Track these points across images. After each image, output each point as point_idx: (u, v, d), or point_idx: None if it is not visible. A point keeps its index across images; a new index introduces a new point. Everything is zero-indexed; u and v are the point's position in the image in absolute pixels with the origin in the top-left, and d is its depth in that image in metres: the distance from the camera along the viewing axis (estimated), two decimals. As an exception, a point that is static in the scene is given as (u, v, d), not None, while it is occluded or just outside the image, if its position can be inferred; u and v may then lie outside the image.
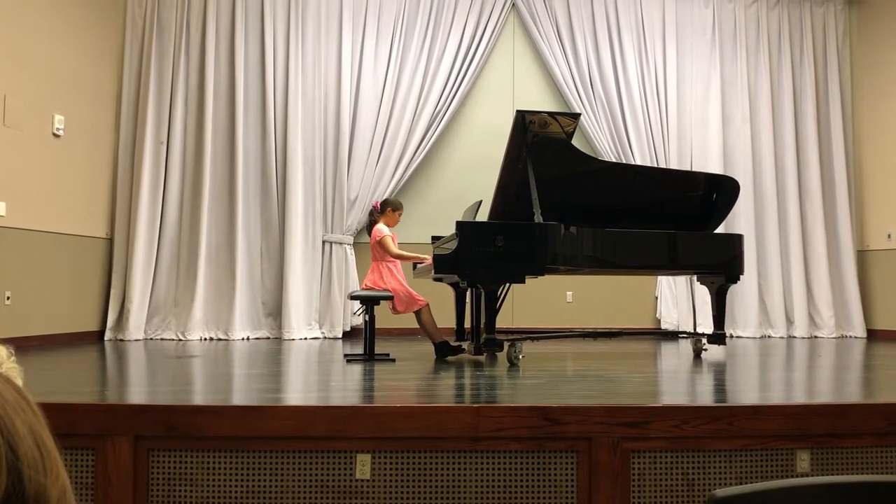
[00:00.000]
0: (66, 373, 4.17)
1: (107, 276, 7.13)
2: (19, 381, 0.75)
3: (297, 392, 3.48)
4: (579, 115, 5.05)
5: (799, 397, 3.24)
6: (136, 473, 2.67)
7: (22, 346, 5.74)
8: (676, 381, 3.89)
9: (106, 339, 6.90)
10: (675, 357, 5.43)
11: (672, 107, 8.06)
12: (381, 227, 5.18)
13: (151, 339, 7.01)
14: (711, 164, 7.94)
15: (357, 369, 4.38)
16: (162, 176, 7.23)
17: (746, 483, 2.74)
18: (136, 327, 6.93)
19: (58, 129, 6.31)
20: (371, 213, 5.48)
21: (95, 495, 2.64)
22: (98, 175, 7.01)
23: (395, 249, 5.13)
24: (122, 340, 6.82)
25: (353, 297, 5.10)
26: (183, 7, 7.41)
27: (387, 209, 5.32)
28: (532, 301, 7.75)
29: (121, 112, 7.29)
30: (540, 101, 7.97)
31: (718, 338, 5.25)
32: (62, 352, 5.54)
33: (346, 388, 3.59)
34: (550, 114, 4.72)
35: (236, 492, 2.68)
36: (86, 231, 6.79)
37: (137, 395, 3.32)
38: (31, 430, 0.61)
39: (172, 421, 2.70)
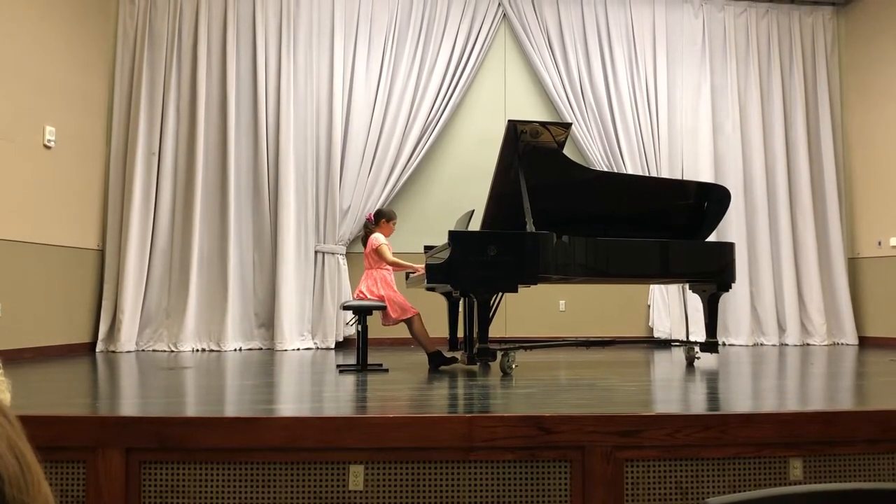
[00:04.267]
0: (57, 385, 4.15)
1: (98, 288, 7.10)
2: (7, 394, 0.75)
3: (290, 403, 3.47)
4: (570, 124, 5.06)
5: (791, 405, 3.24)
6: (127, 486, 2.65)
7: (14, 358, 5.71)
8: (669, 390, 3.89)
9: (98, 350, 6.87)
10: (667, 365, 5.43)
11: (663, 115, 8.10)
12: (378, 236, 5.21)
13: (143, 350, 6.98)
14: (702, 173, 7.98)
15: (350, 380, 4.37)
16: (154, 187, 7.22)
17: (739, 491, 2.74)
18: (127, 339, 6.90)
19: (49, 140, 6.29)
20: (366, 225, 5.51)
21: (86, 509, 2.62)
22: (89, 186, 6.99)
23: (391, 257, 5.16)
24: (113, 352, 6.78)
25: (345, 308, 5.09)
26: (175, 17, 7.41)
27: (381, 220, 5.36)
28: (525, 310, 7.75)
29: (112, 123, 7.28)
30: (531, 110, 8.00)
31: (711, 346, 5.27)
32: (54, 364, 5.51)
33: (338, 398, 3.58)
34: (542, 123, 4.73)
35: (229, 504, 2.67)
36: (77, 242, 6.76)
37: (129, 407, 3.30)
38: (10, 446, 0.59)
39: (164, 433, 2.69)
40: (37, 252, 6.16)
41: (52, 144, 6.34)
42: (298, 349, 7.23)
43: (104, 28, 7.25)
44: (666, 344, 7.51)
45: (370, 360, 5.02)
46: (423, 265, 4.85)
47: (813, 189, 8.25)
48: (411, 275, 5.55)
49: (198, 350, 7.05)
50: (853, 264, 8.32)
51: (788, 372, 5.08)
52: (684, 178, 7.81)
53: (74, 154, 6.71)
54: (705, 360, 5.62)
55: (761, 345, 7.94)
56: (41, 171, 6.23)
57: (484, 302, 4.50)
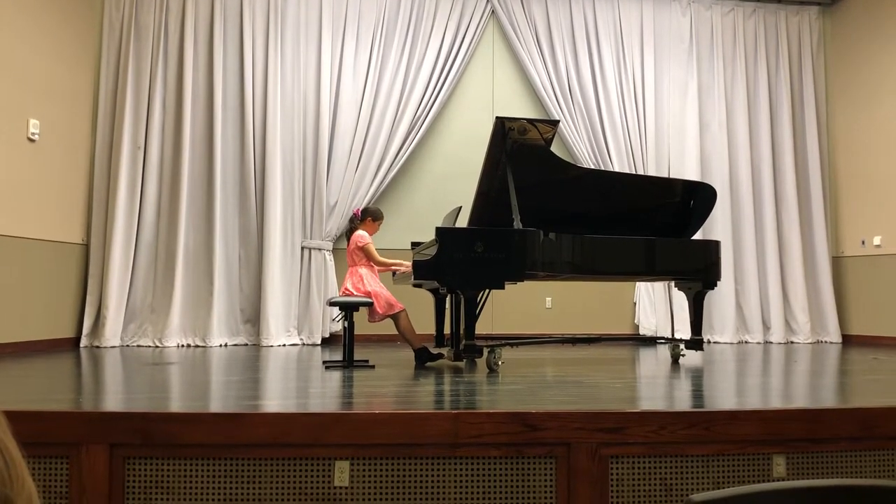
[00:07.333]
0: (40, 380, 4.11)
1: (83, 283, 7.04)
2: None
3: (276, 399, 3.45)
4: (558, 121, 5.07)
5: (775, 402, 3.26)
6: (111, 482, 2.63)
7: (-5, 353, 5.66)
8: (654, 387, 3.91)
9: (82, 346, 6.82)
10: (653, 363, 5.45)
11: (650, 113, 8.13)
12: (363, 234, 5.18)
13: (128, 345, 6.94)
14: (689, 171, 8.01)
15: (336, 376, 4.36)
16: (139, 181, 7.17)
17: (723, 488, 2.76)
18: (112, 334, 6.85)
19: (33, 133, 6.23)
20: (351, 220, 5.49)
21: (69, 505, 2.61)
22: (74, 180, 6.93)
23: (378, 257, 5.14)
24: (98, 347, 6.74)
25: (332, 304, 5.08)
26: (161, 10, 7.35)
27: (367, 218, 5.33)
28: (512, 307, 7.76)
29: (97, 116, 7.22)
30: (519, 107, 8.01)
31: (696, 343, 5.30)
32: (37, 359, 5.47)
33: (324, 394, 3.57)
34: (529, 120, 4.73)
35: (214, 500, 2.66)
36: (61, 237, 6.71)
37: (113, 402, 3.28)
38: None
39: (148, 429, 2.67)
40: (20, 246, 6.10)
41: (36, 138, 6.28)
42: (284, 345, 7.21)
43: (89, 21, 7.19)
44: (651, 341, 7.54)
45: (356, 357, 5.01)
46: (410, 261, 4.85)
47: (798, 188, 8.31)
48: (398, 272, 5.54)
49: (183, 345, 7.01)
50: (837, 263, 8.38)
51: (772, 369, 5.11)
52: (671, 176, 7.85)
53: (59, 147, 6.65)
54: (690, 358, 5.65)
55: (746, 342, 7.99)
56: (25, 165, 6.17)
57: (471, 298, 4.50)
